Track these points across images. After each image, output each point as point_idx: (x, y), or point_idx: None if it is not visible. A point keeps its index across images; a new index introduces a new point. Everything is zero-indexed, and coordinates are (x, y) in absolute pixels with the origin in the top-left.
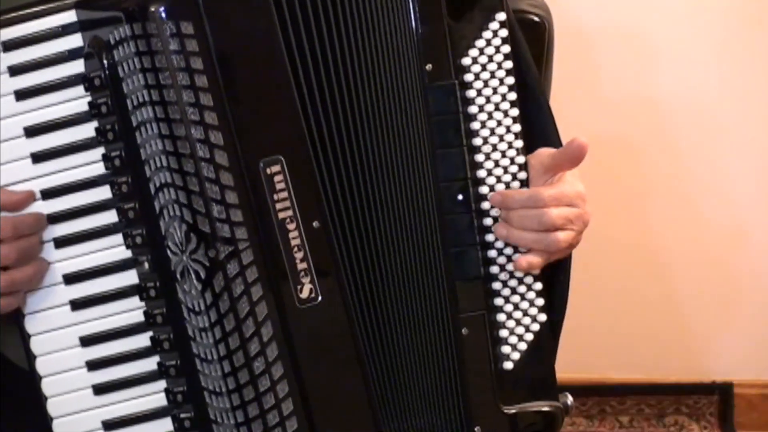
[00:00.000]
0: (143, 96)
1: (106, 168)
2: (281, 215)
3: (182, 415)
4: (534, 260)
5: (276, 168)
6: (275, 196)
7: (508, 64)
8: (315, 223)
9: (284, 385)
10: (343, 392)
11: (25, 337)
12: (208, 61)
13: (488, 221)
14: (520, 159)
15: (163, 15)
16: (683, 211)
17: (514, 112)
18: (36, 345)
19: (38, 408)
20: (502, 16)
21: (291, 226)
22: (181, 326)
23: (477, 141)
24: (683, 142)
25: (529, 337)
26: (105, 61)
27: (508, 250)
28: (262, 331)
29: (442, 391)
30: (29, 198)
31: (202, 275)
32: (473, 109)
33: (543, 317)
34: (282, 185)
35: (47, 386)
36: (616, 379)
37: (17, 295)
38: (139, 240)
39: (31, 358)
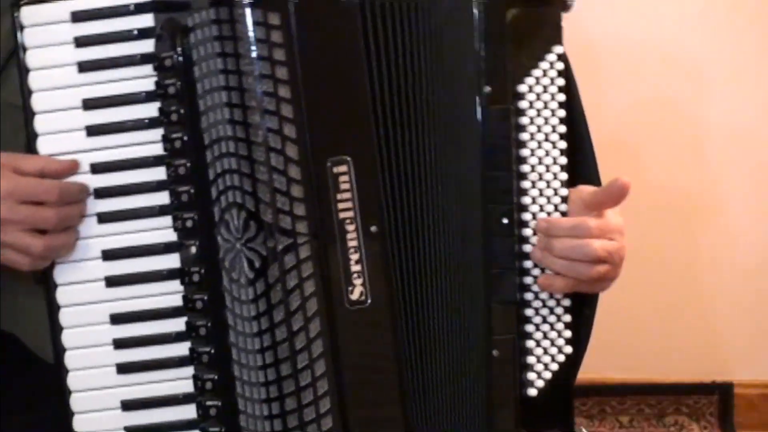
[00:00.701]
0: (217, 81)
1: (165, 149)
2: (342, 215)
3: (208, 403)
4: (557, 282)
5: (343, 168)
6: (339, 196)
7: (561, 97)
8: (373, 228)
9: (324, 383)
10: (379, 396)
11: (54, 310)
12: (290, 54)
13: (527, 248)
14: (563, 191)
15: (245, 2)
16: (681, 212)
17: (562, 144)
18: (65, 317)
19: (55, 392)
20: (560, 49)
21: (350, 228)
22: (221, 314)
23: (525, 168)
24: (679, 143)
25: (554, 367)
26: (179, 44)
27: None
28: (310, 327)
29: (469, 406)
30: (73, 167)
31: (257, 264)
32: (524, 136)
33: (569, 349)
34: (347, 186)
35: (70, 360)
36: (616, 379)
37: (46, 261)
38: (189, 224)
39: (57, 330)
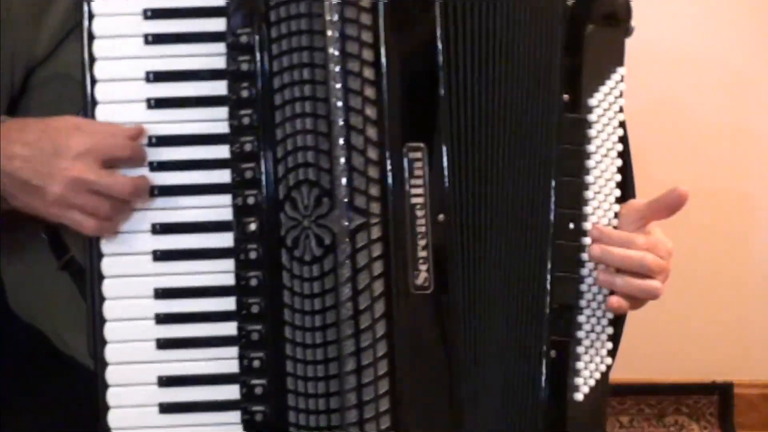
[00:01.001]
0: (299, 58)
1: (231, 126)
2: (413, 200)
3: (254, 382)
4: (624, 303)
5: (418, 155)
6: (412, 182)
7: (621, 117)
8: (440, 216)
9: (384, 364)
10: (430, 381)
11: (95, 280)
12: (376, 38)
13: (585, 256)
14: (616, 207)
15: None
16: (681, 212)
17: (618, 162)
18: (107, 289)
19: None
20: (623, 70)
21: (420, 213)
22: (275, 293)
23: (589, 178)
24: (679, 143)
25: (597, 376)
26: (258, 21)
27: (596, 288)
28: (375, 307)
29: (520, 405)
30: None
31: (327, 241)
32: (591, 147)
33: (609, 361)
34: (420, 172)
35: (109, 332)
36: (616, 379)
37: (112, 228)
38: (251, 201)
39: (98, 302)
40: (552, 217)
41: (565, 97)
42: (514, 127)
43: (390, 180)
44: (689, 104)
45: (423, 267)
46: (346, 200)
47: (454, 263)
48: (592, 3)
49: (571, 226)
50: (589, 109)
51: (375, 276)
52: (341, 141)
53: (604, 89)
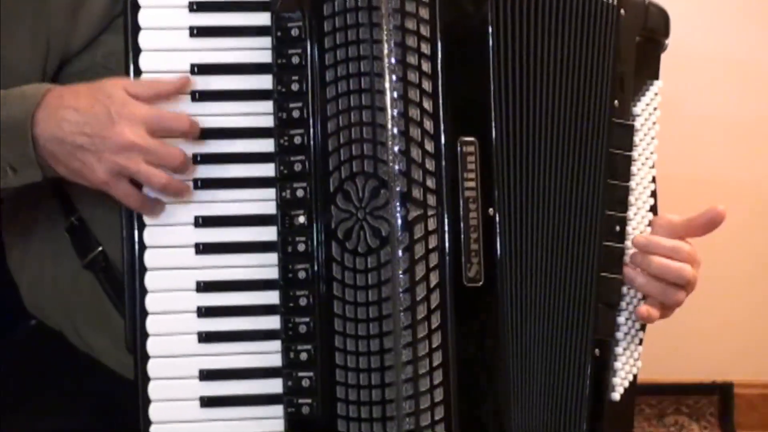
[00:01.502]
0: (355, 51)
1: (279, 119)
2: (467, 194)
3: (300, 374)
4: (654, 312)
5: (471, 149)
6: (466, 175)
7: (657, 128)
8: (491, 210)
9: (439, 355)
10: (480, 376)
11: (137, 272)
12: (434, 32)
13: (626, 258)
14: (650, 215)
15: None
16: (681, 212)
17: (654, 172)
18: (150, 281)
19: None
20: (660, 83)
21: (473, 206)
22: (327, 285)
23: (632, 184)
24: (678, 140)
25: (631, 377)
26: (309, 14)
27: (634, 291)
28: (431, 298)
29: (563, 402)
30: (185, 83)
31: (384, 233)
32: (635, 154)
33: (640, 363)
34: (473, 166)
35: (151, 325)
36: None
37: (158, 207)
38: (300, 194)
39: (140, 295)
40: (600, 218)
41: (616, 102)
42: (565, 128)
43: (445, 172)
44: (695, 99)
45: (475, 260)
46: (404, 192)
47: (503, 257)
48: (641, 16)
49: (617, 228)
50: (634, 117)
51: (431, 267)
52: (399, 132)
53: (645, 99)
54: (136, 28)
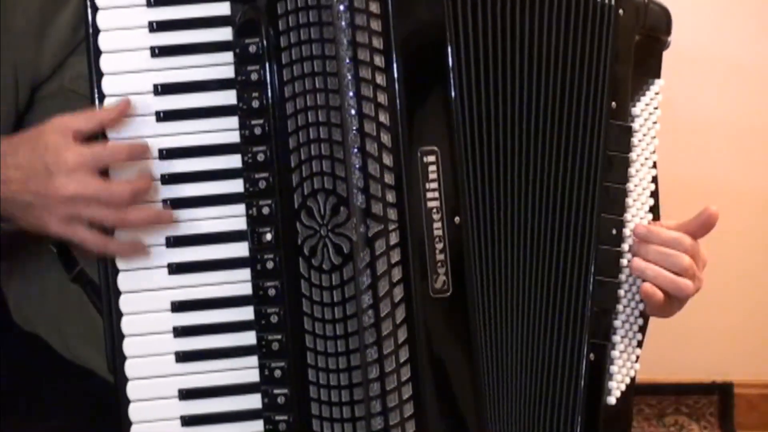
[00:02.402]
0: (310, 67)
1: (242, 136)
2: (429, 204)
3: (276, 391)
4: (658, 292)
5: (431, 158)
6: (427, 185)
7: (657, 128)
8: (457, 219)
9: (407, 370)
10: (454, 386)
11: (111, 296)
12: (387, 43)
13: (624, 261)
14: (649, 216)
15: None
16: (681, 211)
17: (653, 172)
18: (124, 304)
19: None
20: (661, 82)
21: (436, 217)
22: (293, 302)
23: (630, 186)
24: (678, 140)
25: (628, 380)
26: (266, 30)
27: (632, 291)
28: (396, 313)
29: (558, 408)
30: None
31: (345, 250)
32: (633, 155)
33: (638, 366)
34: (434, 175)
35: (128, 348)
36: None
37: (122, 246)
38: (266, 211)
39: (116, 318)
40: (595, 221)
41: (613, 104)
42: (553, 130)
43: (405, 185)
44: (695, 101)
45: (441, 270)
46: (363, 208)
47: (472, 266)
48: (640, 15)
49: (614, 231)
50: (632, 118)
51: (394, 282)
52: (356, 148)
53: (645, 99)
54: (98, 52)
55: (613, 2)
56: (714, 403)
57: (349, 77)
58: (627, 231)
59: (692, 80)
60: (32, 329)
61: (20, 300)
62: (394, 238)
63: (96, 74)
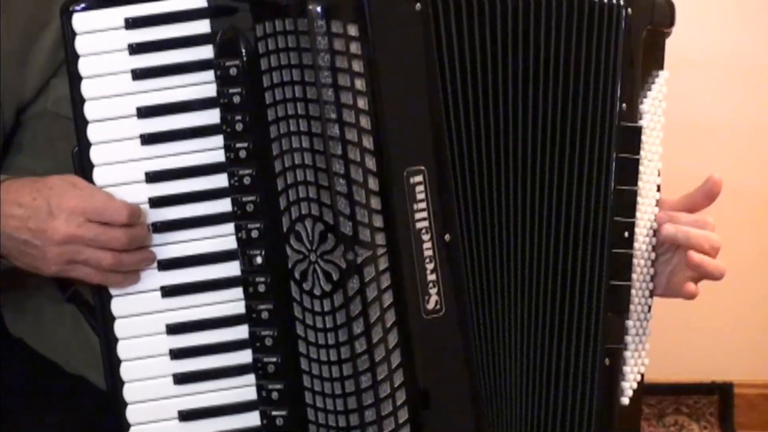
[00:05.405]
0: (291, 91)
1: (227, 158)
2: (418, 225)
3: (274, 413)
4: (706, 259)
5: (418, 178)
6: (415, 206)
7: (663, 120)
8: (447, 237)
9: (402, 393)
10: (452, 405)
11: (107, 320)
12: (367, 66)
13: (635, 262)
14: (656, 209)
15: (322, 14)
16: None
17: (659, 165)
18: (120, 329)
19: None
20: (666, 73)
21: (425, 237)
22: (287, 324)
23: (640, 184)
24: (678, 140)
25: (638, 378)
26: (246, 52)
27: (641, 292)
28: (389, 338)
29: (569, 412)
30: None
31: (335, 277)
32: (642, 153)
33: (647, 361)
34: (422, 195)
35: (125, 372)
36: None
37: (118, 278)
38: (255, 234)
39: (111, 342)
40: (608, 226)
41: (624, 105)
42: (563, 134)
43: (392, 209)
44: (697, 102)
45: (433, 291)
46: (350, 235)
47: (466, 282)
48: (647, 12)
49: (626, 234)
50: (642, 116)
51: (385, 307)
52: (341, 176)
53: (652, 94)
54: (78, 78)
55: (621, 1)
56: (714, 403)
57: (330, 104)
58: (637, 231)
59: (692, 80)
60: (29, 343)
61: (16, 317)
62: (383, 263)
63: (79, 99)
